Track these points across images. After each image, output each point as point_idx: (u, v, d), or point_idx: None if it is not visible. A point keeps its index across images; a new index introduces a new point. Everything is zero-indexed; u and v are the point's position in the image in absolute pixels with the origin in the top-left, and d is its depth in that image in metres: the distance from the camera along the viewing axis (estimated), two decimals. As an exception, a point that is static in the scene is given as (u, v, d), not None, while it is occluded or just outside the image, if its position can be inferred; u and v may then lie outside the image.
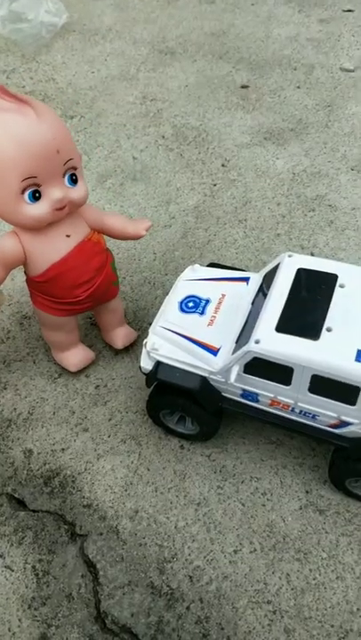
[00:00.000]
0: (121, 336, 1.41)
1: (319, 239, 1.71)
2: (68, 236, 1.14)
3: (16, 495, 1.20)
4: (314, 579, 1.08)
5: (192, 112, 2.21)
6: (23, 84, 2.37)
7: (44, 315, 1.26)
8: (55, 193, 1.05)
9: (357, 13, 2.77)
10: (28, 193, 1.02)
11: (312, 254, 1.66)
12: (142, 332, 1.47)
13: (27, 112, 0.99)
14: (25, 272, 1.21)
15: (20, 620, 1.05)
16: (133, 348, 1.44)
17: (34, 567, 1.11)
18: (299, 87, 2.32)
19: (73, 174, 1.08)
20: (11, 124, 0.98)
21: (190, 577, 1.09)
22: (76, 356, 1.37)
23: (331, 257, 1.65)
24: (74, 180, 1.09)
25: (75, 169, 1.08)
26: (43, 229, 1.11)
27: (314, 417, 1.06)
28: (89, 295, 1.22)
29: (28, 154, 0.99)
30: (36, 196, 1.04)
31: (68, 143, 1.06)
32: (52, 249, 1.14)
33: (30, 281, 1.21)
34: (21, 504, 1.19)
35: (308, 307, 1.02)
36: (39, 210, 1.05)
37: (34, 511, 1.18)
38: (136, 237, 1.27)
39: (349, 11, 2.79)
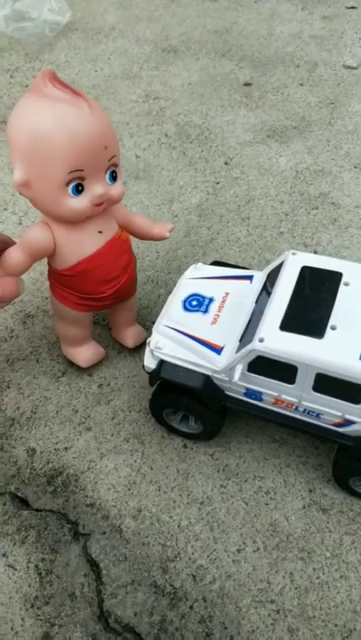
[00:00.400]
0: (132, 335, 1.41)
1: (322, 237, 1.70)
2: (100, 232, 1.15)
3: (19, 494, 1.20)
4: (317, 578, 1.08)
5: (195, 110, 2.20)
6: (26, 82, 2.37)
7: (63, 308, 1.25)
8: (97, 189, 1.06)
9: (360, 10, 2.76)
10: (72, 186, 1.03)
11: (315, 252, 1.65)
12: (145, 330, 1.47)
13: (81, 105, 0.99)
14: (49, 263, 1.21)
15: (22, 619, 1.05)
16: (137, 346, 1.44)
17: (37, 566, 1.10)
18: (302, 85, 2.31)
19: (114, 171, 1.09)
20: (65, 115, 0.98)
21: (193, 576, 1.09)
22: (87, 352, 1.37)
23: (334, 255, 1.65)
24: (114, 177, 1.10)
25: (116, 166, 1.10)
26: (76, 224, 1.11)
27: (318, 416, 1.05)
28: (114, 292, 1.22)
29: (79, 147, 1.00)
30: (79, 190, 1.04)
31: (114, 140, 1.07)
32: (84, 244, 1.14)
33: (55, 273, 1.20)
34: (24, 503, 1.19)
35: (312, 305, 1.01)
36: (80, 203, 1.06)
37: (37, 510, 1.17)
38: (160, 238, 1.31)
39: (353, 8, 2.78)
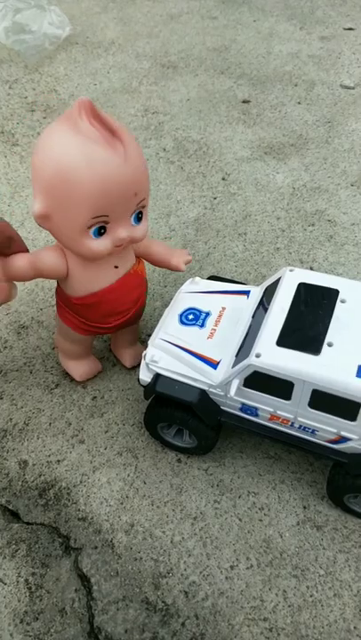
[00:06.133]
0: (131, 356, 1.40)
1: (318, 254, 1.71)
2: (116, 267, 1.12)
3: (10, 507, 1.18)
4: (311, 596, 1.07)
5: (193, 125, 2.22)
6: (25, 94, 2.38)
7: (66, 328, 1.24)
8: (121, 232, 1.02)
9: (358, 32, 2.80)
10: (94, 229, 0.99)
11: (311, 269, 1.66)
12: (141, 343, 1.46)
13: (117, 147, 0.93)
14: (59, 284, 1.18)
15: (11, 634, 1.03)
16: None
17: (27, 581, 1.09)
18: (299, 103, 2.34)
19: (140, 212, 1.05)
20: (98, 158, 0.92)
21: (186, 592, 1.07)
22: (83, 367, 1.36)
23: (330, 272, 1.65)
24: (139, 218, 1.05)
25: (144, 207, 1.05)
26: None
27: (313, 432, 1.05)
28: (120, 323, 1.21)
29: (107, 194, 0.95)
30: (100, 232, 1.01)
31: (145, 183, 1.02)
32: (98, 278, 1.11)
33: (63, 296, 1.18)
34: (15, 516, 1.17)
35: (309, 321, 1.02)
36: (101, 246, 1.02)
37: (28, 523, 1.16)
38: (175, 270, 1.26)
39: (350, 29, 2.82)
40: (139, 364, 1.40)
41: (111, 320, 1.19)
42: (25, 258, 1.08)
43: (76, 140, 0.92)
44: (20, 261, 1.07)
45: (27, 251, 1.11)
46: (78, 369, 1.36)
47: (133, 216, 1.03)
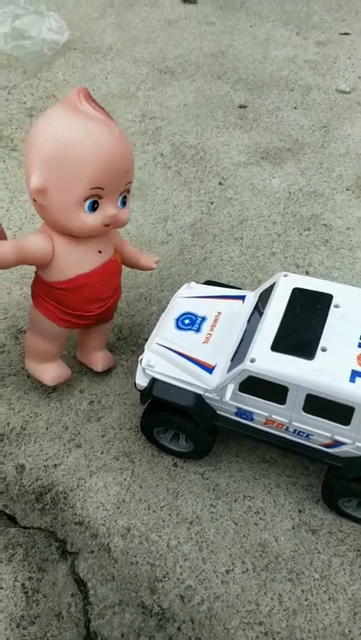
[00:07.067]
0: (101, 359, 1.39)
1: (314, 258, 1.72)
2: (100, 251, 1.16)
3: (7, 511, 1.19)
4: (306, 600, 1.07)
5: (190, 131, 2.23)
6: (24, 99, 2.39)
7: (43, 321, 1.22)
8: (110, 209, 1.07)
9: (354, 37, 2.82)
10: (89, 202, 1.05)
11: (307, 273, 1.67)
12: (138, 347, 1.47)
13: (112, 127, 1.03)
14: (37, 273, 1.19)
15: (7, 639, 1.03)
16: (128, 363, 1.44)
17: (23, 585, 1.09)
18: (296, 108, 2.35)
19: (125, 196, 1.11)
20: (97, 132, 1.01)
21: (182, 597, 1.08)
22: (54, 370, 1.33)
23: (325, 276, 1.66)
24: (124, 202, 1.12)
25: (128, 192, 1.12)
26: (79, 240, 1.12)
27: (308, 436, 1.06)
28: (100, 313, 1.22)
29: (105, 165, 1.02)
30: (94, 207, 1.06)
31: (133, 165, 1.10)
32: (84, 260, 1.15)
33: (44, 285, 1.18)
34: (12, 520, 1.18)
35: (303, 326, 1.02)
36: (92, 221, 1.07)
37: (25, 528, 1.17)
38: (147, 268, 1.34)
39: (346, 34, 2.84)
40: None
41: (93, 308, 1.20)
42: (8, 243, 1.11)
43: (75, 116, 1.01)
44: (1, 246, 1.10)
45: (4, 236, 1.14)
46: (49, 372, 1.33)
47: (120, 198, 1.10)
